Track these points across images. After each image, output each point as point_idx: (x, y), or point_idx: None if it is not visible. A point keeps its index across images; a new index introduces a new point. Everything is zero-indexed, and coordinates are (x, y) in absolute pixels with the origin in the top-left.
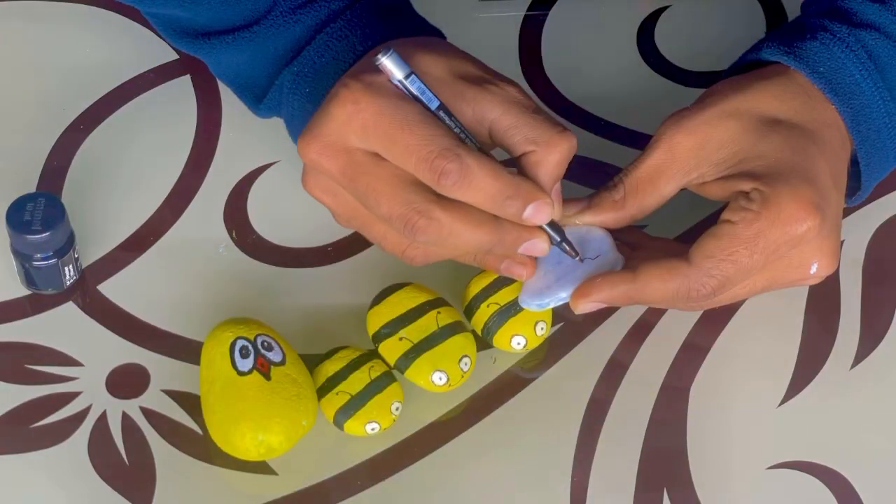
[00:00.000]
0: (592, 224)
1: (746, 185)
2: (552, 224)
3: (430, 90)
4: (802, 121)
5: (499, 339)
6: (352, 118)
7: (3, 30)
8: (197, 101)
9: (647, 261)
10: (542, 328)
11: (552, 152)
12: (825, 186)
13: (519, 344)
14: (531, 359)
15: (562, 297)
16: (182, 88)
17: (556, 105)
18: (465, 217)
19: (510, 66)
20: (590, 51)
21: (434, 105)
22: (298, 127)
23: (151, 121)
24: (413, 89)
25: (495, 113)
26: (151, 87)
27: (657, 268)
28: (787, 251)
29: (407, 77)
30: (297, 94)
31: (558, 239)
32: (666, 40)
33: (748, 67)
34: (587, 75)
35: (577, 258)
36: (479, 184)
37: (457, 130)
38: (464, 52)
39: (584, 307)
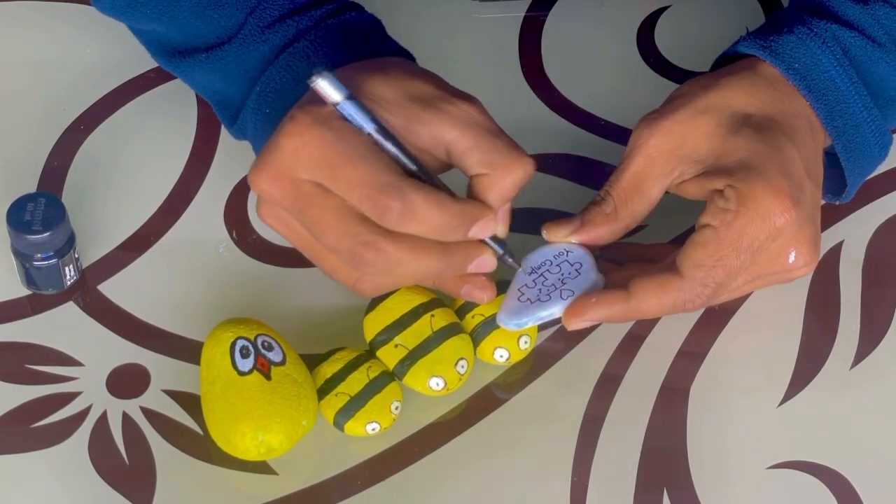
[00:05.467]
0: (591, 240)
1: (720, 183)
2: (495, 238)
3: (369, 115)
4: (771, 112)
5: (482, 351)
6: (298, 150)
7: (3, 30)
8: (197, 101)
9: (638, 277)
10: (525, 342)
11: (507, 177)
12: (798, 176)
13: (502, 357)
14: (531, 359)
15: (541, 315)
16: (182, 88)
17: (556, 105)
18: (412, 247)
19: (510, 66)
20: (590, 51)
21: (369, 128)
22: (260, 148)
23: (151, 121)
24: (345, 114)
25: (452, 134)
26: (151, 87)
27: (650, 283)
28: (769, 245)
29: (339, 103)
30: (259, 114)
31: (500, 251)
32: (666, 40)
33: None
34: (587, 75)
35: (521, 269)
36: (423, 218)
37: (401, 156)
38: (424, 71)
39: (577, 325)
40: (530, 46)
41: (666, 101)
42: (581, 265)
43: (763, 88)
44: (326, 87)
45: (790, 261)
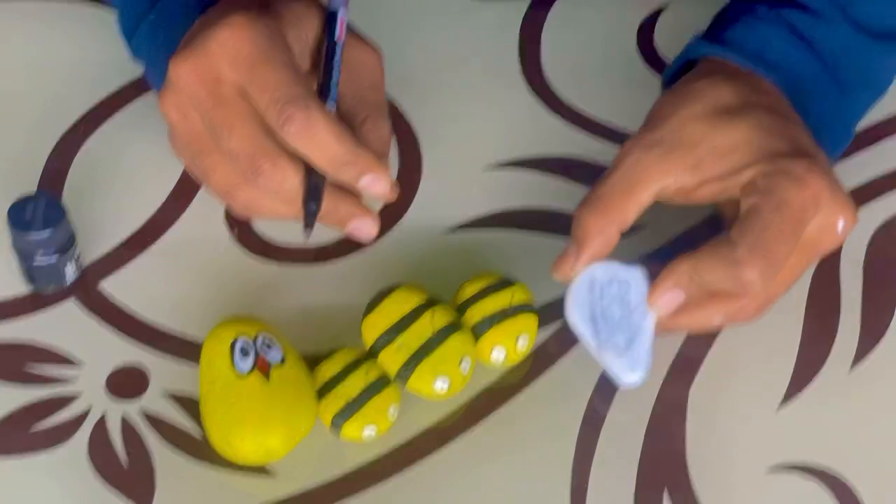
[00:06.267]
0: (595, 257)
1: (745, 176)
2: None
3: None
4: (751, 99)
5: (479, 351)
6: (228, 43)
7: (4, 30)
8: None
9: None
10: (524, 343)
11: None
12: (810, 148)
13: (499, 356)
14: (531, 359)
15: (646, 349)
16: None
17: (556, 105)
18: (302, 173)
19: (510, 65)
20: (590, 51)
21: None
22: (155, 74)
23: (152, 121)
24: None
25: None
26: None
27: (709, 249)
28: (813, 216)
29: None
30: (151, 43)
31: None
32: (666, 40)
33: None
34: (587, 75)
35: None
36: (320, 140)
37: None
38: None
39: (663, 305)
40: (530, 46)
41: (644, 124)
42: (642, 287)
43: (732, 79)
44: None
45: (839, 230)
